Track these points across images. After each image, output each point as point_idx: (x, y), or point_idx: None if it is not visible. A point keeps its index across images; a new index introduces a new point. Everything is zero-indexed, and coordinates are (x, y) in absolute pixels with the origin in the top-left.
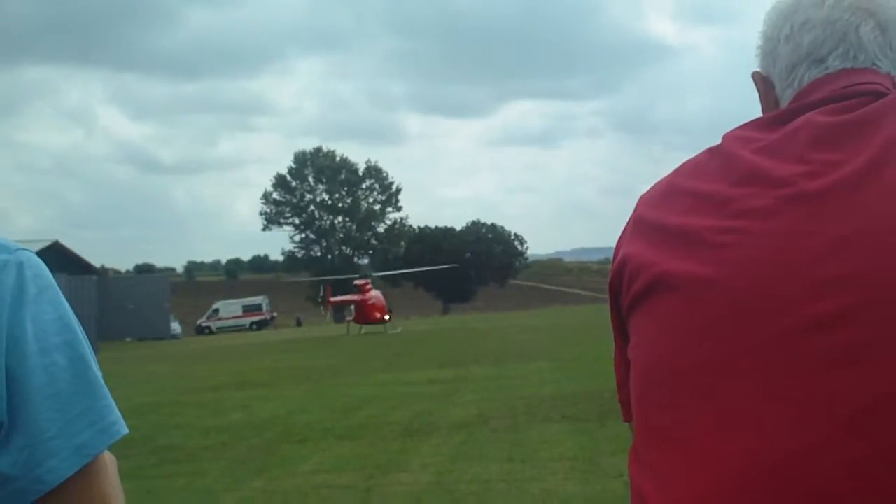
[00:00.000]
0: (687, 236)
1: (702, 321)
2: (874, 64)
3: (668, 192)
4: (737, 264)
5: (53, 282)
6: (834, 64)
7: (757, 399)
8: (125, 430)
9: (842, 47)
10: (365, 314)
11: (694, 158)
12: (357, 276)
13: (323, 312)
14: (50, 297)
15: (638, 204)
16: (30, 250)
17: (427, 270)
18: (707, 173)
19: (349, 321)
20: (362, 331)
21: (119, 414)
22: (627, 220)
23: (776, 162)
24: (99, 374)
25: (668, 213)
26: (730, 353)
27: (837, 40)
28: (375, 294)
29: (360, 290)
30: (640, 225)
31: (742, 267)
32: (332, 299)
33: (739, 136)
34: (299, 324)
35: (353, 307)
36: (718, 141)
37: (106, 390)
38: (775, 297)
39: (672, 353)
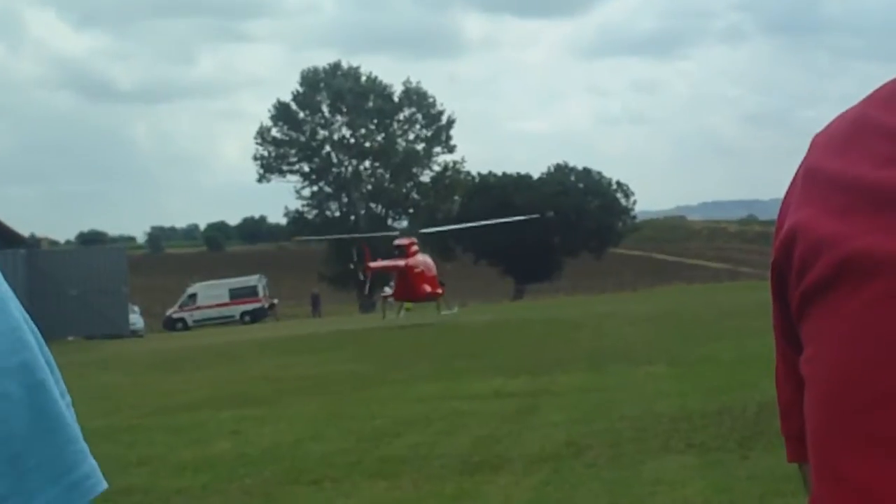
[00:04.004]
0: (892, 199)
1: None
2: None
3: (857, 132)
4: None
5: (2, 280)
6: None
7: None
8: (103, 485)
9: None
10: (410, 287)
11: (893, 82)
12: (397, 233)
13: (361, 278)
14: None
15: (811, 147)
16: None
17: (497, 224)
18: None
19: (385, 297)
20: (401, 313)
21: (94, 463)
22: (796, 170)
23: None
24: (66, 407)
25: (859, 164)
26: None
27: None
28: (423, 259)
29: (404, 252)
30: (817, 179)
31: None
32: (373, 264)
33: None
34: (316, 306)
35: (395, 277)
36: None
37: (76, 430)
38: None
39: (876, 371)
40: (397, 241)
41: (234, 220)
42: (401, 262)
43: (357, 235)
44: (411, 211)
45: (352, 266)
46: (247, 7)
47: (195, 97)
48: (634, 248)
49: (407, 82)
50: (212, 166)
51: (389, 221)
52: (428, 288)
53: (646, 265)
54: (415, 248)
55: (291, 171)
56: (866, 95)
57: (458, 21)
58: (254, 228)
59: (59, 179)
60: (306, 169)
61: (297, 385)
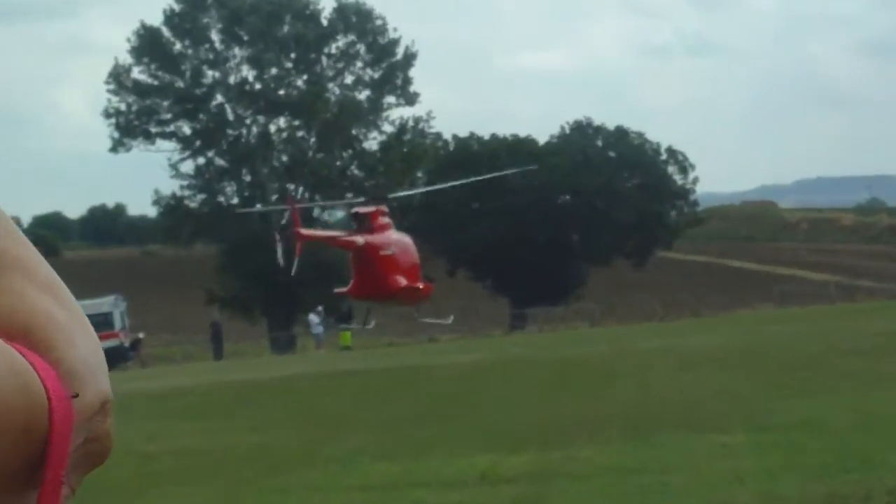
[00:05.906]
0: None
1: None
2: None
3: None
4: None
5: None
6: None
7: None
8: None
9: None
10: (375, 277)
11: None
12: (358, 200)
13: (280, 260)
14: None
15: None
16: None
17: (497, 177)
18: None
19: (338, 294)
20: (366, 324)
21: None
22: None
23: None
24: None
25: None
26: None
27: None
28: (398, 238)
29: (366, 224)
30: None
31: None
32: (307, 232)
33: None
34: (217, 340)
35: (351, 263)
36: None
37: None
38: None
39: None
40: (356, 210)
41: (75, 210)
42: (357, 238)
43: (297, 206)
44: (351, 195)
45: (282, 232)
46: None
47: (18, 19)
48: (696, 252)
49: None
50: (42, 127)
51: (317, 212)
52: (402, 280)
53: (714, 277)
54: (383, 219)
55: (164, 135)
56: None
57: None
58: (106, 223)
59: None
60: (187, 131)
61: (177, 465)
